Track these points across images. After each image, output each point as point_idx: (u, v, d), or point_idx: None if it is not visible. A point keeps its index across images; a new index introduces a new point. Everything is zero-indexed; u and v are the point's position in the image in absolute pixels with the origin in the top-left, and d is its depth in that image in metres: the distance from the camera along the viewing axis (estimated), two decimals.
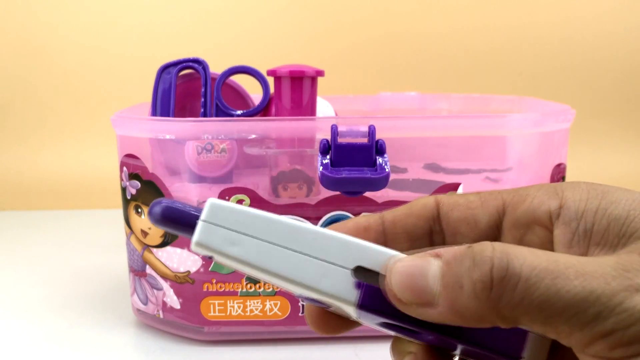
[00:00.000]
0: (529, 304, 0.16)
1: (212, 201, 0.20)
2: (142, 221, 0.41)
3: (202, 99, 0.43)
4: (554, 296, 0.16)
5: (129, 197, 0.42)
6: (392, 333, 0.20)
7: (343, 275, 0.19)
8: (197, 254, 0.20)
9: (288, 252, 0.19)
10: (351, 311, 0.19)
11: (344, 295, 0.19)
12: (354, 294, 0.19)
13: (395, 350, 0.21)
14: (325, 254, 0.19)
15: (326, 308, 0.21)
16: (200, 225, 0.19)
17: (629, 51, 0.84)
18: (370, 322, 0.20)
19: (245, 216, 0.19)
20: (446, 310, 0.17)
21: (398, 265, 0.18)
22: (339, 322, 0.21)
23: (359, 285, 0.19)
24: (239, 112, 0.44)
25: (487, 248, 0.17)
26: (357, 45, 0.83)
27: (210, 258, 0.20)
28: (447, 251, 0.18)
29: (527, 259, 0.16)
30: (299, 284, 0.19)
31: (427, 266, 0.18)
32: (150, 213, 0.20)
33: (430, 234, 0.21)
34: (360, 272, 0.19)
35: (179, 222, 0.20)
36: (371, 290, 0.19)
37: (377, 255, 0.19)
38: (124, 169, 0.41)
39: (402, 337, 0.20)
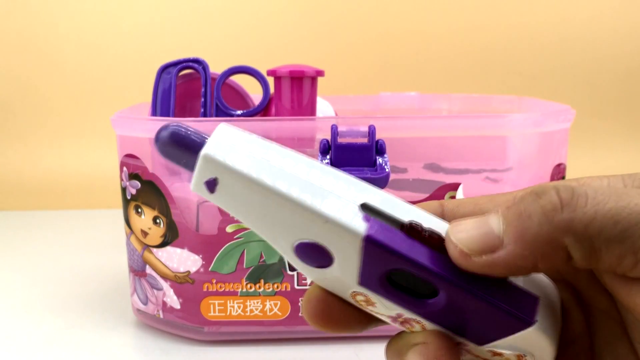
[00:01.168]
0: (603, 218, 0.16)
1: (222, 125, 0.19)
2: (142, 221, 0.41)
3: (202, 99, 0.43)
4: (625, 209, 0.16)
5: (129, 197, 0.42)
6: (387, 312, 0.19)
7: (351, 206, 0.18)
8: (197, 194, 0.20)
9: (297, 178, 0.18)
10: (355, 256, 0.18)
11: (350, 223, 0.18)
12: (362, 225, 0.18)
13: (394, 347, 0.20)
14: (334, 188, 0.19)
15: (322, 280, 0.20)
16: (208, 141, 0.19)
17: (629, 51, 0.85)
18: (373, 281, 0.19)
19: (257, 144, 0.20)
20: (515, 246, 0.17)
21: (458, 224, 0.18)
22: (339, 316, 0.20)
23: (367, 219, 0.18)
24: (239, 112, 0.44)
25: (547, 184, 0.17)
26: (357, 45, 0.83)
27: (214, 182, 0.19)
28: (501, 204, 0.18)
29: (588, 183, 0.17)
30: (304, 207, 0.18)
31: (487, 219, 0.18)
32: (157, 138, 0.19)
33: None
34: (368, 210, 0.19)
35: (186, 145, 0.19)
36: (380, 226, 0.18)
37: (386, 199, 0.19)
38: (124, 169, 0.41)
39: (403, 322, 0.20)
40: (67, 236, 0.69)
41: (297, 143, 0.39)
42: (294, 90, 0.43)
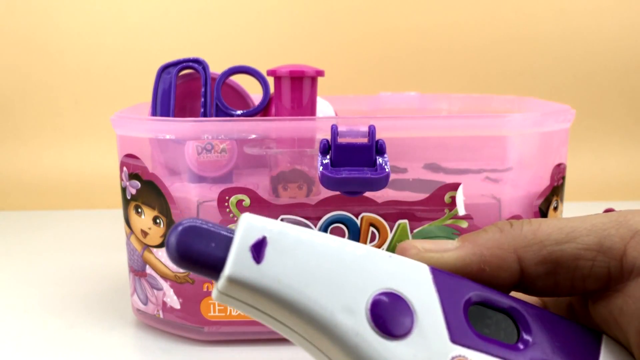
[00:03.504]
0: (548, 226, 0.18)
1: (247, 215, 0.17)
2: (142, 221, 0.41)
3: (202, 99, 0.43)
4: (566, 221, 0.18)
5: (129, 197, 0.42)
6: None
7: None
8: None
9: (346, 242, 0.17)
10: (432, 294, 0.17)
11: (413, 260, 0.18)
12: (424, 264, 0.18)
13: None
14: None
15: None
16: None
17: (629, 51, 0.85)
18: (462, 327, 0.17)
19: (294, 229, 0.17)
20: (465, 247, 0.18)
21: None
22: None
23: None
24: (239, 112, 0.44)
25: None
26: (357, 45, 0.83)
27: (263, 243, 0.16)
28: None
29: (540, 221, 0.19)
30: (371, 252, 0.17)
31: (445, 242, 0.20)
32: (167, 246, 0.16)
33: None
34: None
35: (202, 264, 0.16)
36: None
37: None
38: (124, 169, 0.42)
39: None
40: (67, 236, 0.69)
41: (297, 143, 0.39)
42: (294, 90, 0.43)
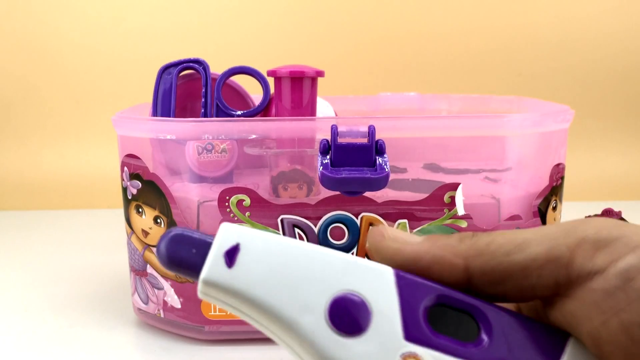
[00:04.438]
0: (501, 238, 0.19)
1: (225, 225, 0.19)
2: (143, 221, 0.41)
3: (203, 99, 0.43)
4: (519, 233, 0.19)
5: (129, 197, 0.42)
6: None
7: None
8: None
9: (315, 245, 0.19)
10: (392, 296, 0.18)
11: (378, 264, 0.19)
12: (389, 267, 0.19)
13: None
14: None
15: None
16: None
17: (628, 51, 0.85)
18: (418, 327, 0.18)
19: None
20: (423, 244, 0.20)
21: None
22: None
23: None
24: (239, 112, 0.44)
25: None
26: (357, 46, 0.83)
27: (236, 250, 0.18)
28: None
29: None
30: (335, 256, 0.18)
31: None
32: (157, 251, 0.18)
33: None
34: None
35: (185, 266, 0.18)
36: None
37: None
38: (125, 169, 0.42)
39: None
40: (68, 236, 0.69)
41: (297, 143, 0.39)
42: (294, 91, 0.43)
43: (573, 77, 0.85)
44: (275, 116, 0.44)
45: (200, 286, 0.18)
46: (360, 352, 0.17)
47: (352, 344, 0.17)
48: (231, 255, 0.18)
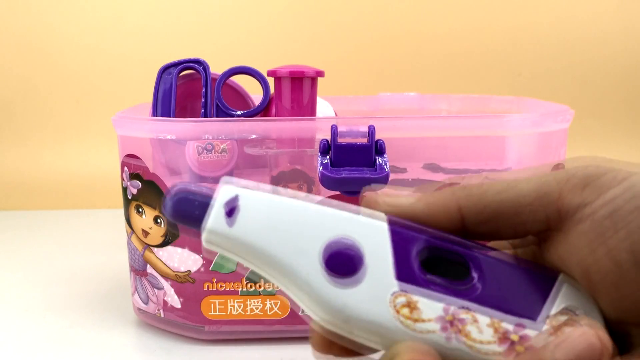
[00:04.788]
0: (491, 182, 0.20)
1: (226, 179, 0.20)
2: (143, 221, 0.41)
3: (203, 100, 0.43)
4: (505, 177, 0.20)
5: (129, 197, 0.42)
6: (434, 314, 0.18)
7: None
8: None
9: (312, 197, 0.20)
10: (385, 243, 0.19)
11: (373, 212, 0.19)
12: (383, 215, 0.20)
13: None
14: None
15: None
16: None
17: (628, 52, 0.85)
18: (410, 269, 0.19)
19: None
20: (418, 194, 0.20)
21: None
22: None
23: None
24: (239, 112, 0.44)
25: None
26: (357, 46, 0.83)
27: (236, 202, 0.19)
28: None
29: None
30: (331, 204, 0.19)
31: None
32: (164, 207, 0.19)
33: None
34: None
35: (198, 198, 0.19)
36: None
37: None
38: (125, 169, 0.42)
39: (452, 324, 0.18)
40: (68, 236, 0.69)
41: (297, 143, 0.39)
42: (294, 91, 0.43)
43: (573, 77, 0.85)
44: (275, 116, 0.44)
45: (204, 237, 0.19)
46: (353, 293, 0.18)
47: (345, 284, 0.18)
48: (231, 210, 0.19)
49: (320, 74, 0.44)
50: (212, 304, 0.40)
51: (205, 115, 0.43)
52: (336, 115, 0.50)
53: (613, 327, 0.19)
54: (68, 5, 0.81)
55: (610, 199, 0.18)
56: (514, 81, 0.85)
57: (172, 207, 0.19)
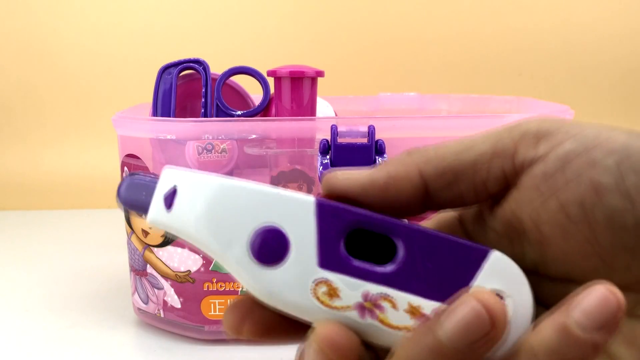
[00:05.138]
0: (449, 143, 0.20)
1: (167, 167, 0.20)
2: (143, 221, 0.41)
3: (203, 100, 0.43)
4: (464, 147, 0.20)
5: None
6: (353, 299, 0.19)
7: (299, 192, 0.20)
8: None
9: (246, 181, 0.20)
10: (311, 227, 0.19)
11: (301, 195, 0.20)
12: (311, 197, 0.20)
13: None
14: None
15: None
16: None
17: (628, 52, 0.85)
18: (333, 256, 0.19)
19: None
20: (376, 167, 0.20)
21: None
22: (271, 322, 0.21)
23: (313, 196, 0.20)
24: (239, 112, 0.44)
25: None
26: (357, 46, 0.83)
27: (173, 193, 0.20)
28: None
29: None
30: (259, 190, 0.20)
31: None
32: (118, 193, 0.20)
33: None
34: None
35: (144, 184, 0.20)
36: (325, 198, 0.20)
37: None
38: (125, 168, 0.42)
39: (371, 309, 0.19)
40: (68, 236, 0.69)
41: (297, 143, 0.40)
42: (294, 91, 0.43)
43: (573, 77, 0.85)
44: (275, 116, 0.44)
45: (147, 218, 0.20)
46: (278, 281, 0.19)
47: (270, 272, 0.19)
48: (169, 199, 0.20)
49: (320, 74, 0.44)
50: (212, 304, 0.40)
51: (205, 115, 0.43)
52: (336, 115, 0.50)
53: (559, 290, 0.19)
54: (68, 6, 0.81)
55: (563, 153, 0.18)
56: (514, 81, 0.85)
57: (121, 193, 0.20)
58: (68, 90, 0.83)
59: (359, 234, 0.20)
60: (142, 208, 0.20)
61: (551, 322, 0.17)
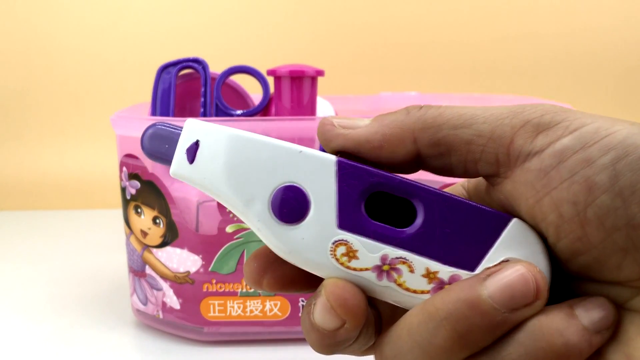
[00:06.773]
0: (449, 111, 0.20)
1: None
2: (142, 221, 0.41)
3: (202, 99, 0.43)
4: (466, 109, 0.21)
5: (128, 197, 0.42)
6: (371, 262, 0.19)
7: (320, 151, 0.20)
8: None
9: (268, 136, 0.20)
10: (331, 187, 0.19)
11: (323, 154, 0.20)
12: (333, 156, 0.20)
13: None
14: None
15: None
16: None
17: (628, 51, 0.85)
18: (353, 216, 0.19)
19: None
20: (371, 125, 0.20)
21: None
22: (288, 272, 0.21)
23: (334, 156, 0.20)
24: (238, 112, 0.44)
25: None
26: (357, 46, 0.83)
27: (196, 146, 0.20)
28: None
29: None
30: (281, 147, 0.20)
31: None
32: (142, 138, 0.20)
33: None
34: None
35: (168, 134, 0.20)
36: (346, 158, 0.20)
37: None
38: (124, 169, 0.41)
39: (389, 272, 0.19)
40: (66, 236, 0.69)
41: (297, 143, 0.39)
42: (294, 90, 0.43)
43: (574, 76, 0.85)
44: (275, 116, 0.44)
45: (170, 170, 0.20)
46: (298, 239, 0.19)
47: (291, 231, 0.19)
48: (192, 152, 0.20)
49: (320, 73, 0.44)
50: (211, 305, 0.40)
51: (205, 115, 0.43)
52: (336, 114, 0.50)
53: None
54: (67, 5, 0.81)
55: (560, 149, 0.18)
56: (515, 80, 0.85)
57: (144, 142, 0.20)
58: (66, 89, 0.83)
59: (378, 196, 0.20)
60: (164, 160, 0.20)
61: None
